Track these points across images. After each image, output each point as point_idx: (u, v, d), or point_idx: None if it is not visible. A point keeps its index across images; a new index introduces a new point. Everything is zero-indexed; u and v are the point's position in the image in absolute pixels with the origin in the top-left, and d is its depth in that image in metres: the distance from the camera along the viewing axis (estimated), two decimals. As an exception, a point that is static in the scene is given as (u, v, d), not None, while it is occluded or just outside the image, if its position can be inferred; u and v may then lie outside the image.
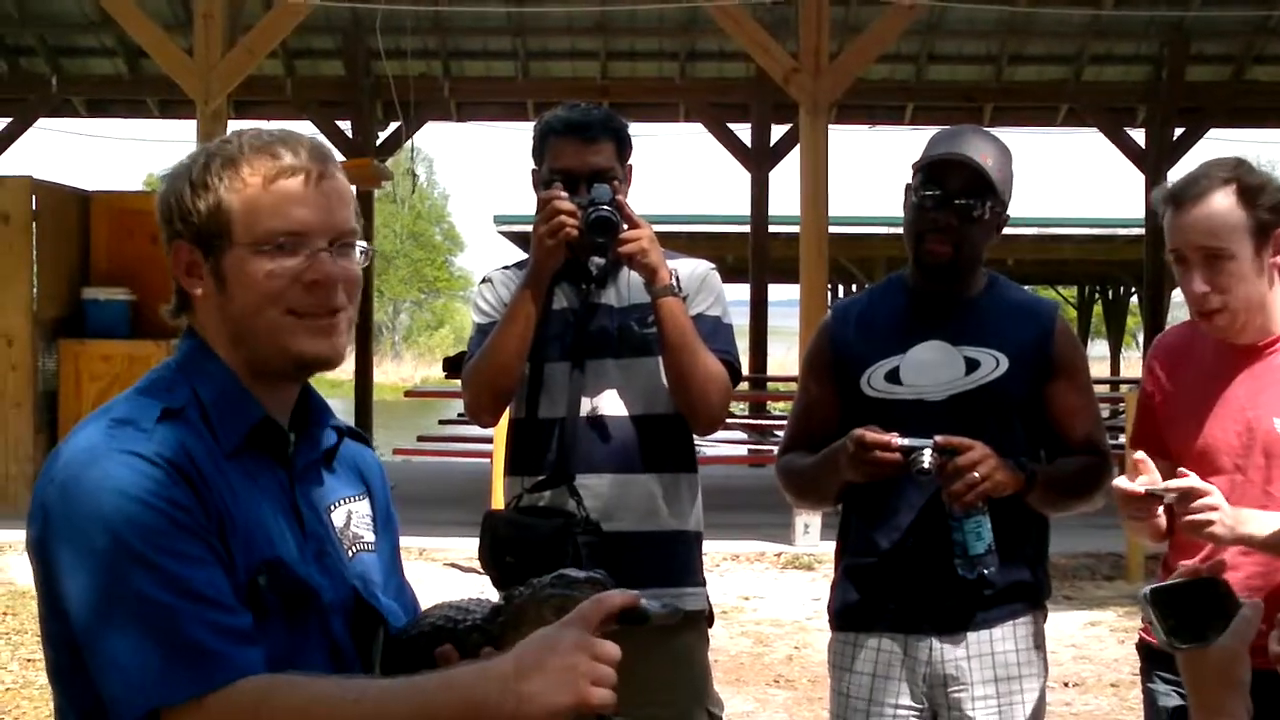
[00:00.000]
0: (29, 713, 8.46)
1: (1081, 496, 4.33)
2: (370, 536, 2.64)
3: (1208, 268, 3.97)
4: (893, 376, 4.34)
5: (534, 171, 4.77)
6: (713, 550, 13.65)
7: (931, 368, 4.32)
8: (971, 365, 4.31)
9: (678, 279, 4.63)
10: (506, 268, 4.90)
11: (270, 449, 2.51)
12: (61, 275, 15.78)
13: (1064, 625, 10.43)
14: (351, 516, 2.61)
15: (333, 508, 2.58)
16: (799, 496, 4.71)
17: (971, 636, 4.30)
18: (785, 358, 29.21)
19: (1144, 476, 3.85)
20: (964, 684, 4.30)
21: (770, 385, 23.72)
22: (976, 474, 4.08)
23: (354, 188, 2.53)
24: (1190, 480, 3.81)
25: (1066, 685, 9.12)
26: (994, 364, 4.31)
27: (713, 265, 4.90)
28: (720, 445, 19.20)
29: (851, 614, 4.42)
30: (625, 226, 4.51)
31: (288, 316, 2.46)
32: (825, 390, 4.48)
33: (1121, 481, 3.88)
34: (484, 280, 4.89)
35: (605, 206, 4.49)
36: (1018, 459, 4.21)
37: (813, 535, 13.91)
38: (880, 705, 4.34)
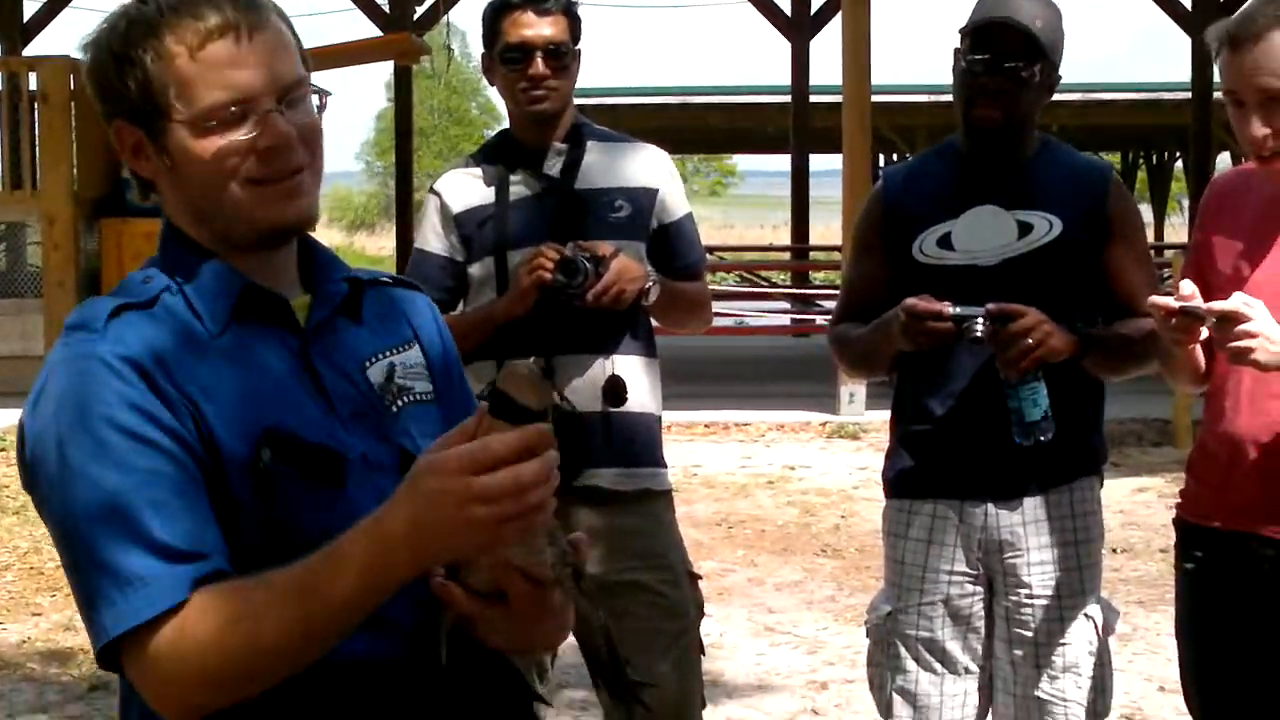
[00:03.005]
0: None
1: (1138, 360, 4.26)
2: (423, 386, 2.46)
3: (1266, 110, 3.83)
4: (945, 242, 4.28)
5: (484, 56, 4.70)
6: (757, 420, 13.69)
7: (984, 232, 4.26)
8: (1024, 229, 4.25)
9: (653, 279, 4.55)
10: (461, 164, 4.80)
11: (271, 318, 2.33)
12: (101, 154, 15.72)
13: (1112, 491, 10.32)
14: (396, 369, 2.42)
15: (368, 363, 2.40)
16: (852, 367, 4.67)
17: (1027, 502, 4.27)
18: (827, 228, 29.15)
19: (1185, 294, 3.70)
20: (1019, 550, 4.27)
21: (812, 255, 23.62)
22: (1030, 340, 4.03)
23: (290, 32, 2.31)
24: (1233, 302, 3.62)
25: (1115, 551, 9.10)
26: (1047, 227, 4.25)
27: (657, 148, 4.82)
28: (763, 315, 19.17)
29: (906, 481, 4.39)
30: (597, 275, 4.40)
31: (248, 188, 2.27)
32: (876, 258, 4.42)
33: (1160, 297, 3.72)
34: (431, 191, 4.75)
35: (583, 255, 4.41)
36: (1072, 324, 4.15)
37: (858, 404, 13.89)
38: (935, 571, 4.32)
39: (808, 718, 6.65)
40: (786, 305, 20.91)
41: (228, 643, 2.05)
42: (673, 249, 4.71)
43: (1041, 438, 4.12)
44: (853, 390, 13.84)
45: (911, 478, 4.37)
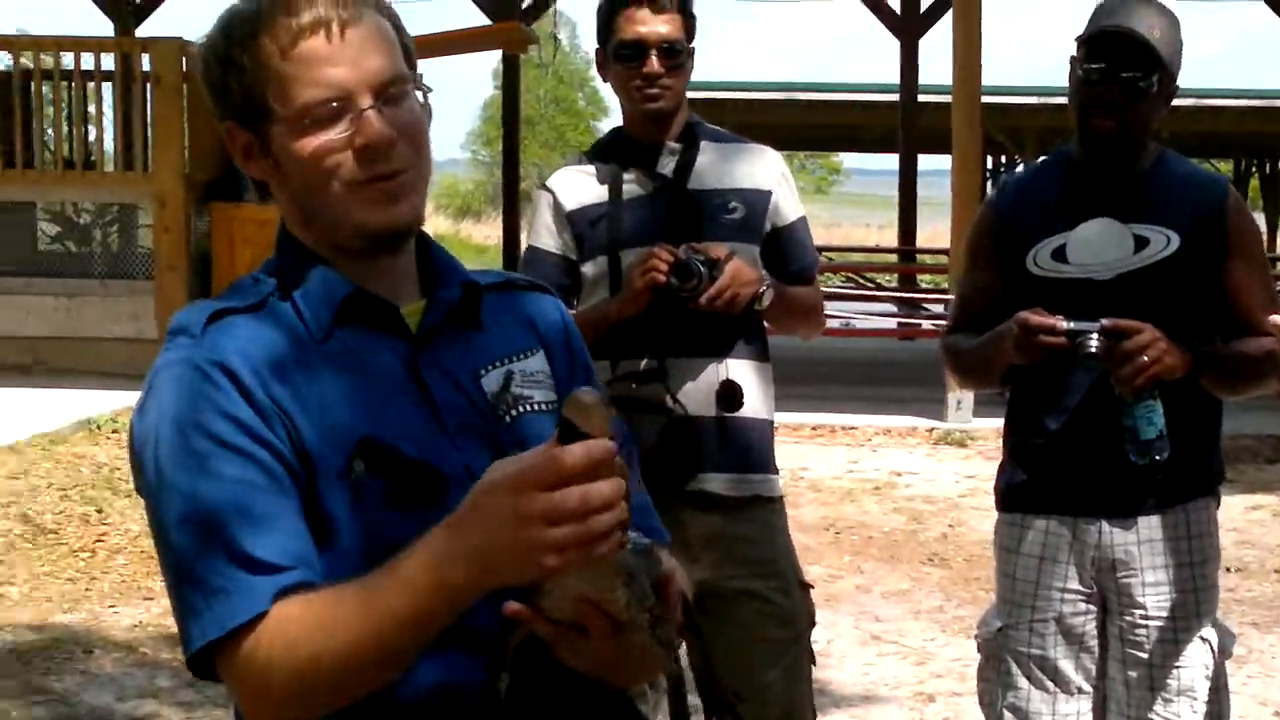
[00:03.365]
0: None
1: (1256, 380, 4.21)
2: (544, 395, 2.38)
3: None
4: (1059, 254, 4.25)
5: (598, 51, 4.68)
6: (863, 425, 13.63)
7: (1099, 246, 4.23)
8: (1141, 243, 4.21)
9: (767, 283, 4.53)
10: (574, 161, 4.78)
11: (380, 324, 2.28)
12: (214, 138, 15.74)
13: (1226, 509, 10.26)
14: (514, 376, 2.35)
15: (483, 371, 2.33)
16: (965, 378, 4.66)
17: (1142, 521, 4.24)
18: (934, 230, 28.99)
19: None
20: (1134, 569, 4.24)
21: (919, 258, 23.51)
22: (1145, 358, 3.98)
23: (390, 28, 2.24)
24: None
25: (1229, 570, 8.99)
26: (1164, 242, 4.21)
27: (772, 150, 4.80)
28: (869, 319, 19.09)
29: (1019, 495, 4.36)
30: (710, 278, 4.38)
31: (347, 190, 2.23)
32: (990, 270, 4.40)
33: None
34: (543, 188, 4.77)
35: (697, 257, 4.39)
36: (1188, 341, 4.10)
37: (965, 411, 13.81)
38: (1048, 589, 4.29)
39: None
40: (893, 308, 20.82)
41: (300, 656, 2.04)
42: (786, 253, 4.69)
43: (1157, 456, 4.07)
44: (960, 397, 13.77)
45: (1025, 492, 4.35)
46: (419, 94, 2.28)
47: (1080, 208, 4.26)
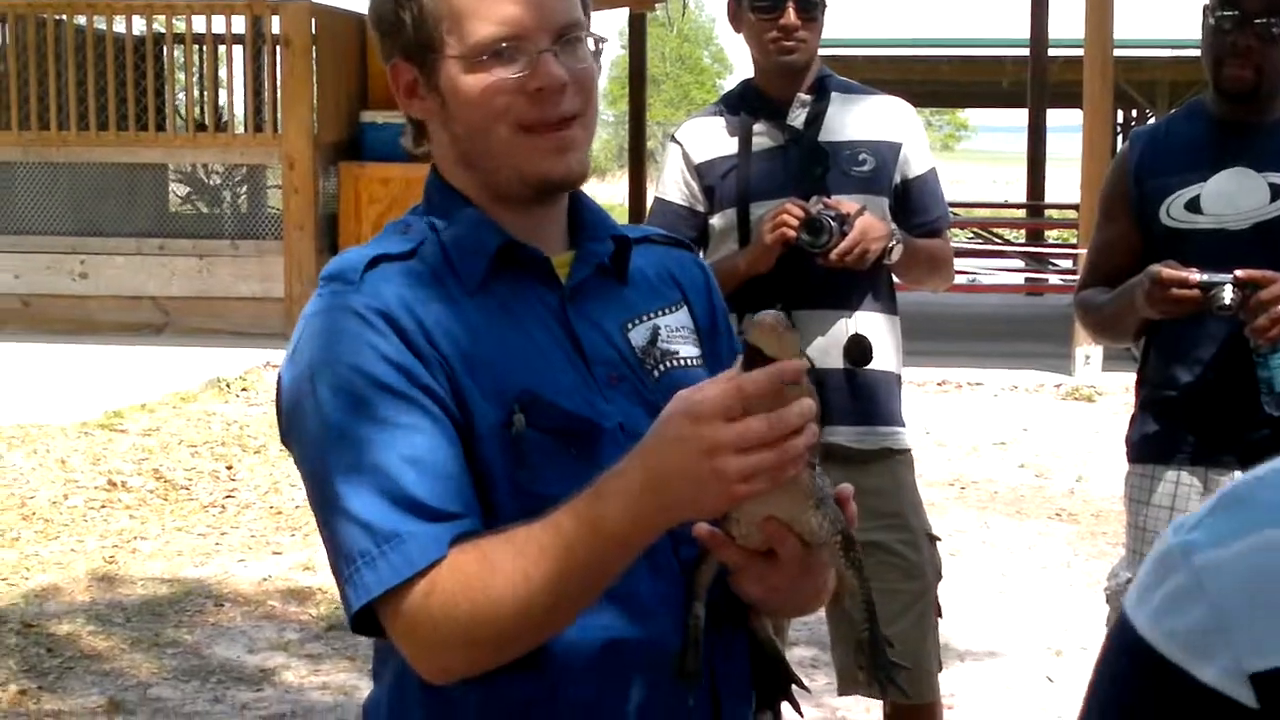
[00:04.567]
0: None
1: None
2: (689, 350, 2.33)
3: None
4: (1193, 205, 4.19)
5: (730, 3, 4.65)
6: (990, 380, 13.55)
7: (1234, 195, 4.16)
8: (1276, 192, 4.14)
9: (896, 237, 4.50)
10: (703, 113, 4.76)
11: (530, 275, 2.24)
12: (341, 99, 16.00)
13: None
14: (659, 331, 2.30)
15: (631, 325, 2.28)
16: (1097, 333, 4.60)
17: (1277, 471, 4.16)
18: (1063, 185, 28.68)
19: None
20: (1267, 521, 4.17)
21: (1047, 214, 23.29)
22: None
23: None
24: None
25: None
26: None
27: (903, 101, 4.76)
28: (996, 274, 18.96)
29: (1150, 446, 4.31)
30: (841, 234, 4.36)
31: (518, 134, 2.17)
32: (1123, 223, 4.34)
33: None
34: (672, 140, 4.75)
35: (827, 212, 4.37)
36: (1325, 290, 4.03)
37: (1094, 366, 13.68)
38: (1178, 541, 4.23)
39: (1043, 685, 6.59)
40: (1020, 264, 20.65)
41: (479, 602, 1.98)
42: (915, 205, 4.66)
43: (1293, 408, 4.02)
44: (1089, 352, 13.65)
45: (1156, 443, 4.29)
46: (591, 42, 2.24)
47: (1215, 158, 4.20)
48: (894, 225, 4.53)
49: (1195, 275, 3.95)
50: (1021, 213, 22.50)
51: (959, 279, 17.07)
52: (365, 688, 6.33)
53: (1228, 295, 3.92)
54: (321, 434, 2.07)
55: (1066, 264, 18.36)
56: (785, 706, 2.41)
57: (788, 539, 1.99)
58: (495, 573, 1.97)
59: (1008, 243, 23.67)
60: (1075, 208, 17.82)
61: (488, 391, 2.12)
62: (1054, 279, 18.15)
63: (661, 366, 2.29)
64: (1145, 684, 1.32)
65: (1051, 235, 22.81)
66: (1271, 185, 4.14)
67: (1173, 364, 4.23)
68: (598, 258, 2.30)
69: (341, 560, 2.04)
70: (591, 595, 2.01)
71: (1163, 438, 4.27)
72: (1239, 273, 3.93)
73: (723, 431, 1.82)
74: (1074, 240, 19.75)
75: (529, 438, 2.12)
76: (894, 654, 2.25)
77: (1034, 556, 8.61)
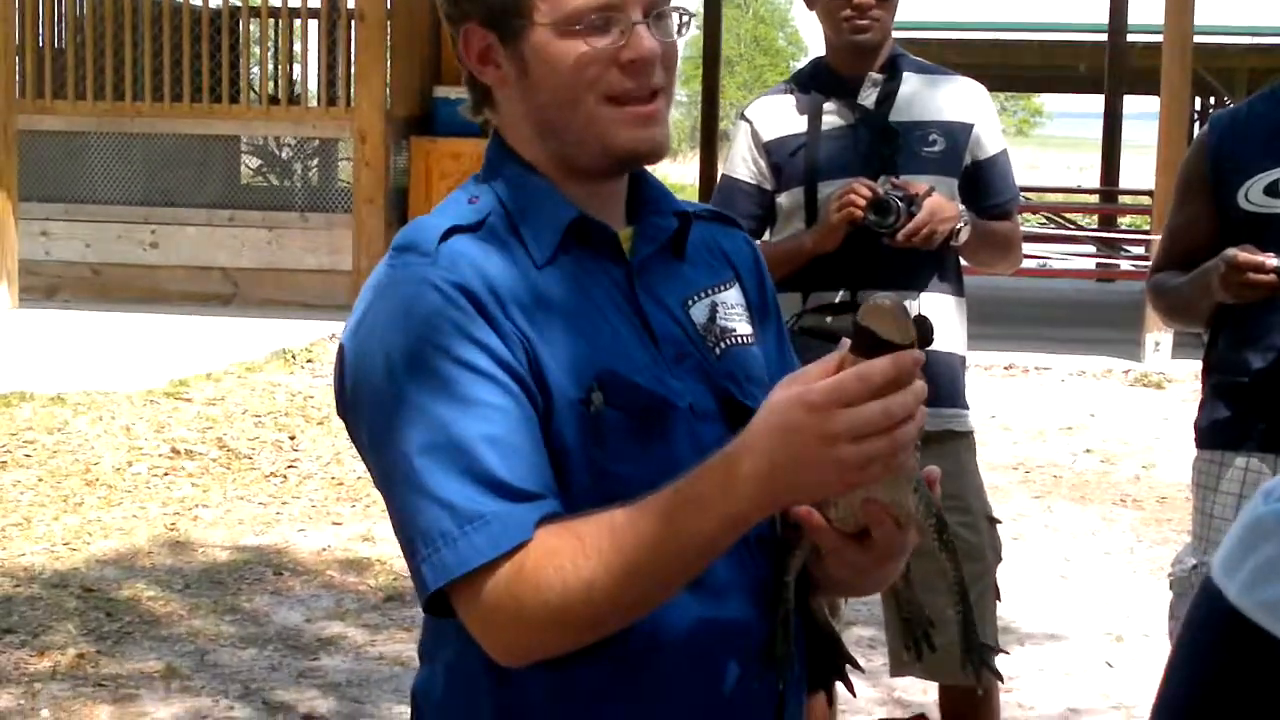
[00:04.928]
0: (378, 500, 8.58)
1: None
2: (745, 328, 2.30)
3: None
4: (1272, 190, 4.10)
5: None
6: (1058, 365, 13.46)
7: None
8: None
9: (965, 219, 4.45)
10: (773, 91, 4.71)
11: (598, 250, 2.19)
12: (414, 73, 16.01)
13: None
14: (717, 308, 2.26)
15: (690, 302, 2.24)
16: (1170, 317, 4.53)
17: (1346, 461, 4.11)
18: (1139, 172, 28.48)
19: None
20: (1335, 510, 4.10)
21: (1120, 199, 23.13)
22: None
23: None
24: None
25: None
26: None
27: (975, 81, 4.70)
28: (1068, 259, 18.82)
29: (1219, 432, 4.23)
30: (909, 214, 4.32)
31: (605, 105, 2.13)
32: (1200, 205, 4.26)
33: None
34: (742, 117, 4.70)
35: (895, 193, 4.33)
36: (1402, 277, 3.96)
37: (1163, 353, 13.57)
38: (1244, 528, 4.17)
39: (1103, 670, 6.52)
40: (1091, 249, 20.51)
41: (570, 586, 1.93)
42: (985, 186, 4.62)
43: (1371, 396, 3.95)
44: (1159, 339, 13.53)
45: (1226, 429, 4.22)
46: (677, 17, 2.20)
47: None
48: (963, 207, 4.48)
49: (1273, 260, 3.88)
50: (1095, 198, 22.34)
51: (1029, 263, 16.98)
52: None
53: None
54: (396, 409, 2.01)
55: (1139, 250, 18.24)
56: (839, 686, 2.40)
57: (885, 521, 1.97)
58: (589, 555, 1.93)
59: (1080, 228, 23.51)
60: (1149, 194, 17.69)
61: (565, 369, 2.07)
62: (1125, 265, 18.01)
63: (722, 344, 2.25)
64: (1236, 654, 1.29)
65: (1124, 221, 22.65)
66: None
67: (1244, 349, 4.16)
68: (663, 233, 2.26)
69: (418, 539, 1.99)
70: (693, 575, 1.98)
71: (1232, 424, 4.20)
72: None
73: (839, 420, 1.78)
74: (1147, 226, 19.61)
75: (607, 417, 2.07)
76: (943, 634, 2.24)
77: (1097, 542, 8.54)
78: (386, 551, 7.79)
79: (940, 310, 4.50)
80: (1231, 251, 3.94)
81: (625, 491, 1.97)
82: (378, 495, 7.66)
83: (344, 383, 2.11)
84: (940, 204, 4.36)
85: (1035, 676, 6.39)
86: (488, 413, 1.99)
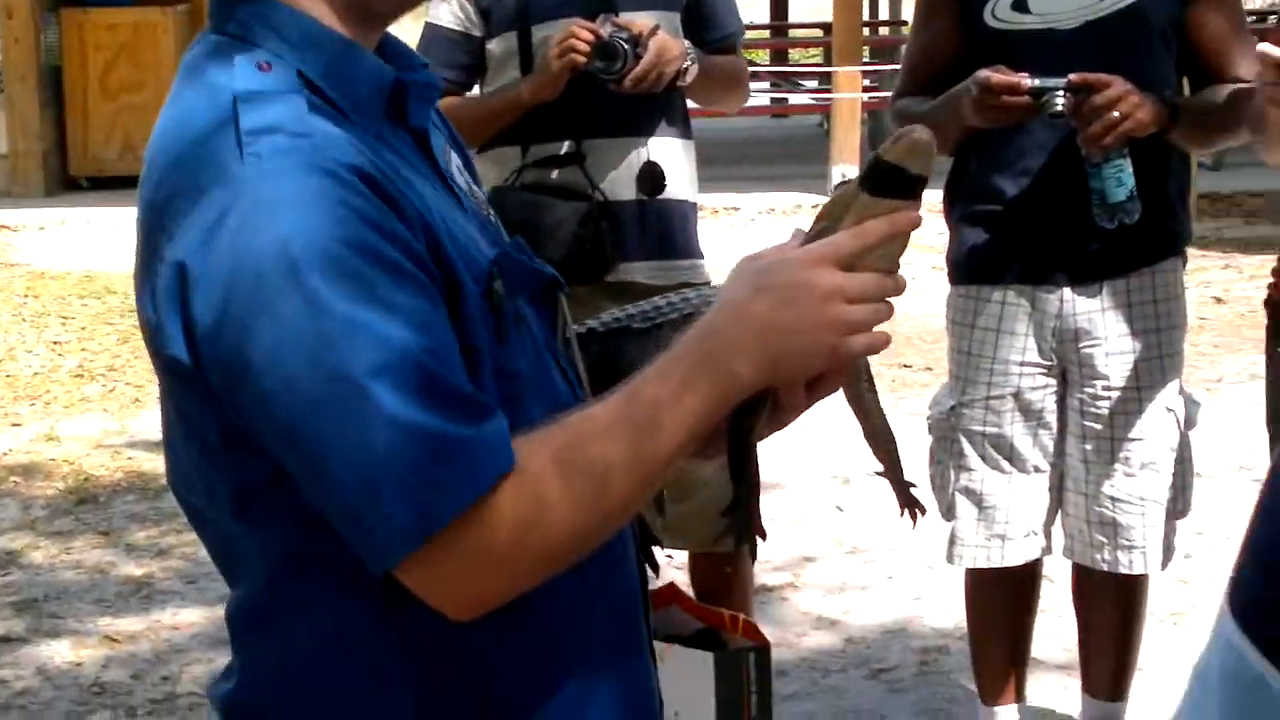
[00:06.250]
0: (59, 397, 8.24)
1: (1229, 130, 3.92)
2: (481, 193, 2.02)
3: None
4: (1020, 4, 3.91)
5: None
6: (746, 205, 13.35)
7: None
8: None
9: (691, 57, 4.20)
10: None
11: (396, 115, 1.83)
12: (54, -58, 15.20)
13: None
14: (462, 170, 1.97)
15: (448, 161, 1.93)
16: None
17: (1106, 287, 3.96)
18: (811, 5, 28.48)
19: None
20: (1097, 338, 3.96)
21: (791, 33, 23.08)
22: (1115, 114, 3.68)
23: None
24: None
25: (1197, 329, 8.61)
26: None
27: None
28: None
29: (973, 266, 4.06)
30: (635, 57, 4.05)
31: None
32: (944, 24, 4.03)
33: (1270, 46, 3.23)
34: None
35: (619, 34, 4.05)
36: (1160, 93, 3.80)
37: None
38: (1005, 363, 4.01)
39: (833, 514, 6.43)
40: (765, 85, 20.46)
41: (579, 502, 1.66)
42: (708, 19, 4.38)
43: (1126, 219, 3.80)
44: (845, 170, 13.46)
45: (979, 262, 4.04)
46: None
47: None
48: (688, 43, 4.22)
49: (1026, 81, 3.69)
50: (766, 33, 22.26)
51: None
52: (121, 564, 6.07)
53: (1060, 101, 3.69)
54: (320, 330, 1.61)
55: (811, 84, 18.19)
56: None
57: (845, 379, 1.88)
58: (588, 466, 1.66)
59: (752, 63, 23.36)
60: (822, 27, 17.67)
61: (460, 256, 1.74)
62: (803, 99, 17.92)
63: (486, 209, 1.98)
64: None
65: (794, 55, 22.59)
66: None
67: (996, 176, 3.97)
68: (434, 91, 1.92)
69: (386, 481, 1.61)
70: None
71: (986, 256, 4.03)
72: (1073, 77, 3.69)
73: (842, 278, 1.68)
74: (818, 58, 19.64)
75: (505, 308, 1.78)
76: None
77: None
78: (72, 451, 7.35)
79: (671, 156, 4.32)
80: (984, 73, 3.74)
81: (522, 393, 1.76)
82: (59, 391, 7.11)
83: (197, 313, 1.66)
84: (666, 43, 4.10)
85: (765, 525, 6.18)
86: (425, 321, 1.64)
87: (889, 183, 1.68)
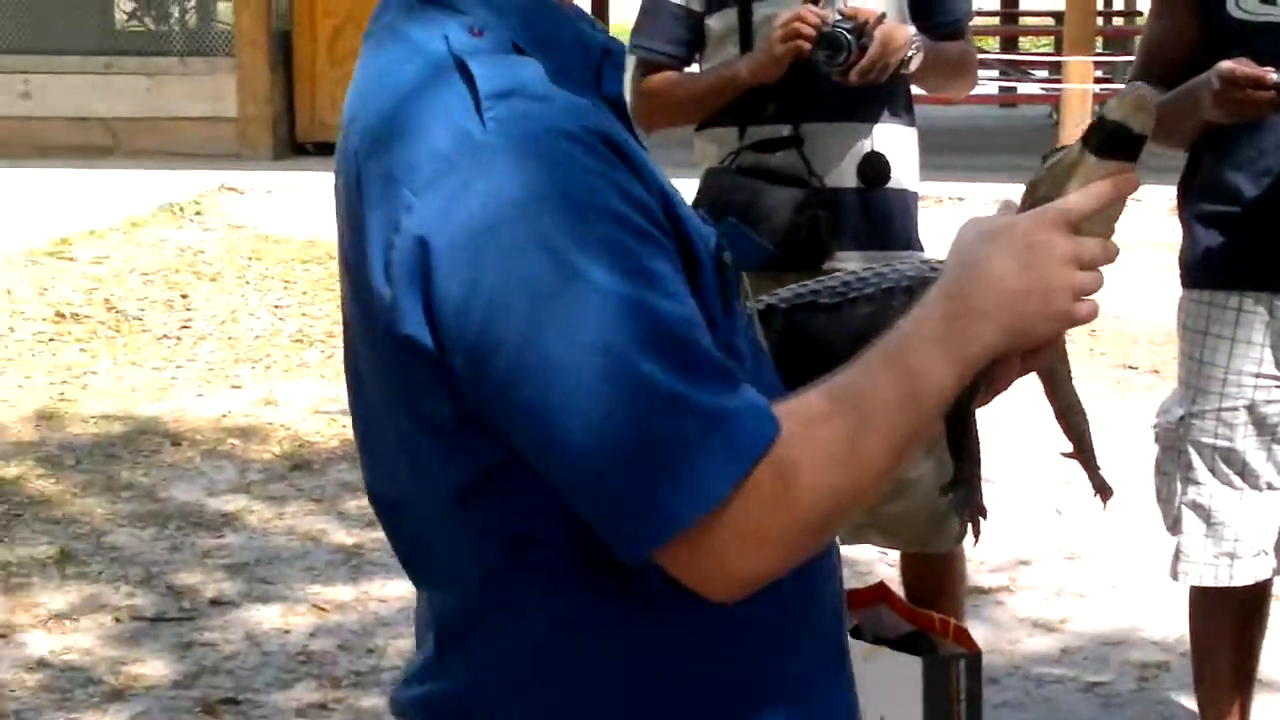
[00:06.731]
0: (279, 361, 8.33)
1: None
2: None
3: None
4: None
5: None
6: (972, 195, 13.18)
7: None
8: None
9: (916, 44, 4.09)
10: None
11: (598, 84, 1.76)
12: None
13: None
14: None
15: None
16: (1150, 139, 4.16)
17: (1349, 298, 3.79)
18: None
19: None
20: (1338, 351, 3.80)
21: (1023, 21, 22.77)
22: None
23: None
24: None
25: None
26: None
27: None
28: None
29: (1208, 269, 3.91)
30: (860, 48, 3.96)
31: None
32: (1183, 13, 3.89)
33: None
34: None
35: (844, 24, 3.96)
36: None
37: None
38: (1239, 373, 3.86)
39: (1053, 519, 6.30)
40: (994, 73, 20.18)
41: (852, 467, 1.59)
42: (935, 3, 4.26)
43: (1375, 226, 3.64)
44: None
45: (1216, 266, 3.89)
46: None
47: None
48: (913, 29, 4.12)
49: (1273, 75, 3.55)
50: (995, 20, 21.98)
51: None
52: (333, 532, 6.10)
53: None
54: (582, 302, 1.54)
55: (1042, 73, 17.90)
56: None
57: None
58: (852, 436, 1.59)
59: (980, 50, 23.09)
60: (1055, 15, 17.37)
61: (695, 228, 1.70)
62: (1032, 89, 17.67)
63: None
64: None
65: (1025, 44, 22.29)
66: None
67: (1234, 175, 3.82)
68: (623, 59, 1.83)
69: (652, 459, 1.55)
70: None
71: (1223, 259, 3.87)
72: None
73: (1076, 242, 1.64)
74: (1049, 48, 19.32)
75: (733, 279, 1.76)
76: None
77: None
78: (290, 416, 7.41)
79: (896, 144, 4.25)
80: (1227, 65, 3.59)
81: (743, 366, 1.68)
82: (279, 355, 7.15)
83: (442, 289, 1.59)
84: (892, 32, 4.01)
85: (983, 526, 6.08)
86: (679, 290, 1.60)
87: (1114, 143, 1.65)
